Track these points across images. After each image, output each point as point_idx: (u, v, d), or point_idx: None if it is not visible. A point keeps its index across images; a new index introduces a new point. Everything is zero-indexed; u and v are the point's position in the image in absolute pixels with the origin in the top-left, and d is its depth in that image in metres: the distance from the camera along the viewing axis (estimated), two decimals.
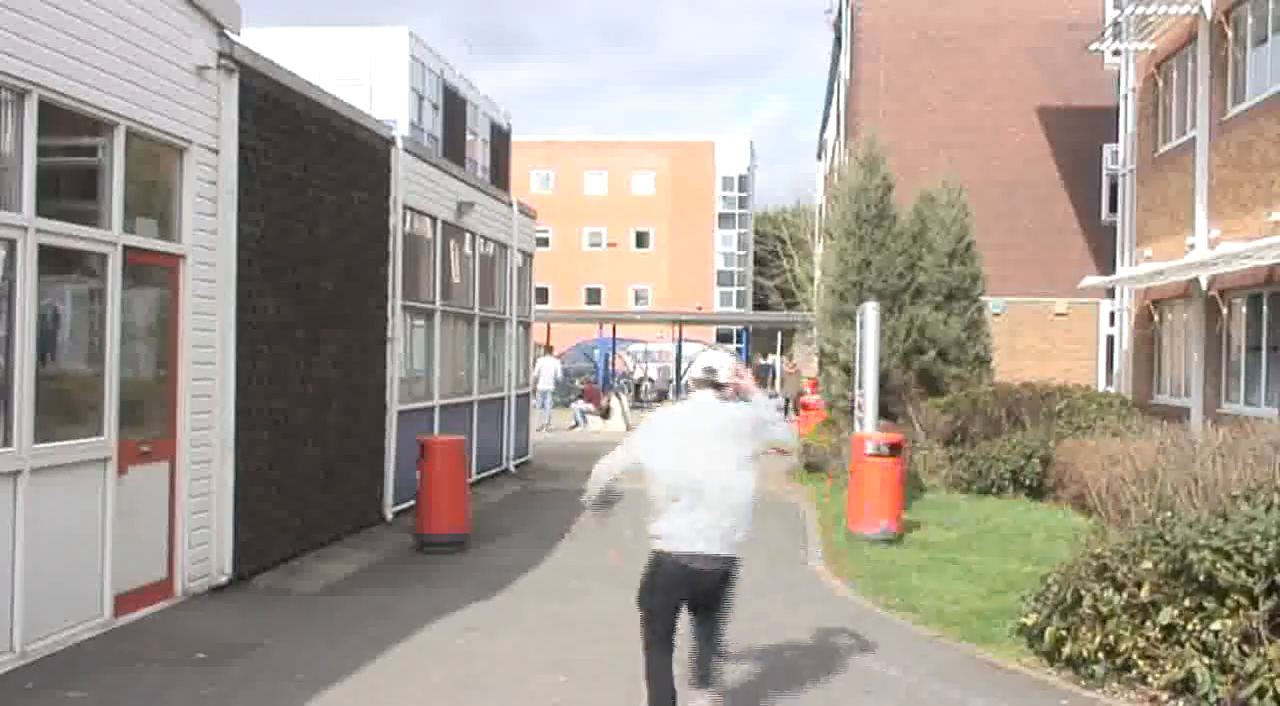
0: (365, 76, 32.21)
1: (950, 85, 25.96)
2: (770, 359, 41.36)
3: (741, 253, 73.64)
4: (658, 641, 5.51)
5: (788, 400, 35.87)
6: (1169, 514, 7.22)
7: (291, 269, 10.25)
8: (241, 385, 9.25)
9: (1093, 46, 21.29)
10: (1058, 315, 25.32)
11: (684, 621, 5.70)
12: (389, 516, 12.52)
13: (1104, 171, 25.04)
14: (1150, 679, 6.43)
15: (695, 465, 5.37)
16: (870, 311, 13.76)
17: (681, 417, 5.69)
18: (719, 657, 5.89)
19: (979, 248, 18.87)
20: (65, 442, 7.28)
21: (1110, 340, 23.97)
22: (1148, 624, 6.50)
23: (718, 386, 5.62)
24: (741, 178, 74.28)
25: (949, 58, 25.97)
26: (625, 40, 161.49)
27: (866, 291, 16.88)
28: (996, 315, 21.80)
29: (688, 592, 5.54)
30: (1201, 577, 6.28)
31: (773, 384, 37.39)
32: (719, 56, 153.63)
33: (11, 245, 6.80)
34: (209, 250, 8.88)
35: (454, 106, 34.41)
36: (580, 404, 28.93)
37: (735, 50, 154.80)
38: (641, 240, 70.73)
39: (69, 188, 7.90)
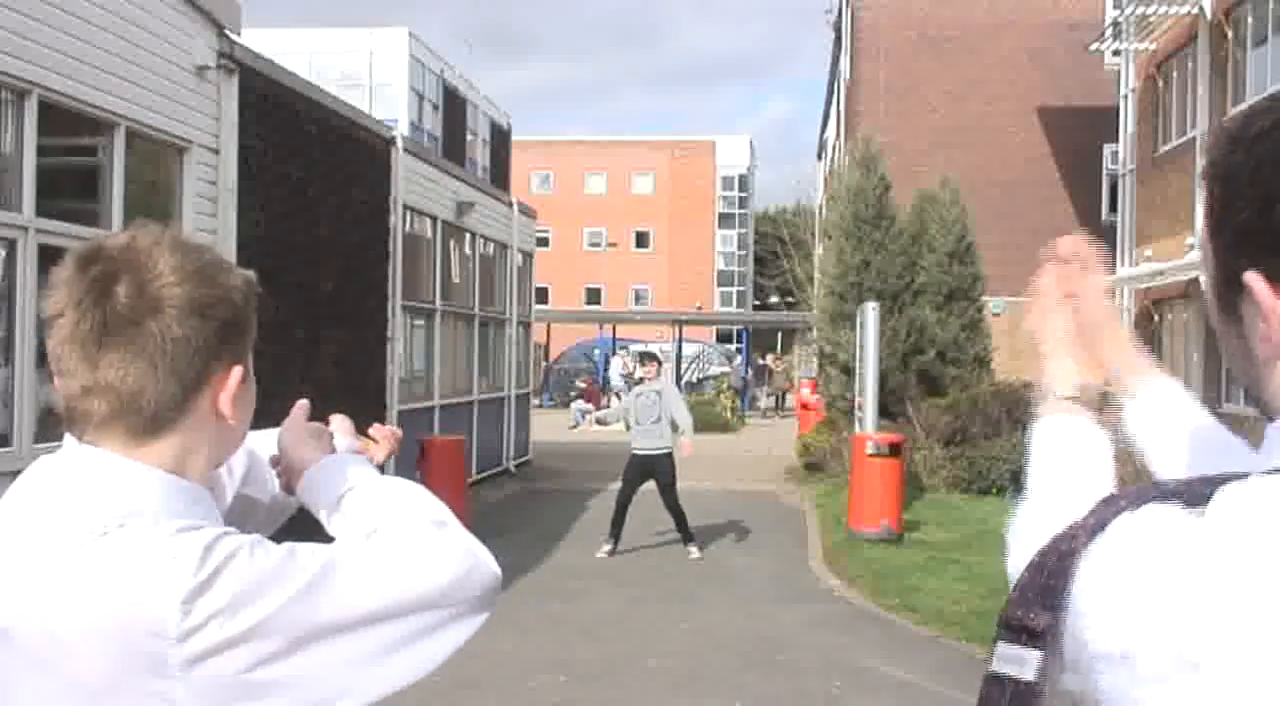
0: (365, 76, 32.18)
1: (950, 85, 25.96)
2: (768, 358, 41.66)
3: (741, 252, 73.59)
4: None
5: (777, 397, 36.18)
6: None
7: (291, 269, 10.25)
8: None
9: (1093, 46, 21.29)
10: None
11: None
12: None
13: (1104, 171, 25.04)
14: None
15: None
16: (870, 312, 13.77)
17: None
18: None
19: (979, 248, 18.85)
20: None
21: None
22: None
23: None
24: (742, 177, 74.23)
25: (949, 58, 25.97)
26: (631, 41, 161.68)
27: (866, 292, 16.87)
28: (997, 315, 21.77)
29: None
30: None
31: (769, 381, 37.46)
32: (724, 57, 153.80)
33: (11, 245, 6.80)
34: None
35: (454, 106, 34.38)
36: (580, 404, 28.92)
37: (741, 50, 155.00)
38: (641, 240, 70.67)
39: (69, 188, 7.91)
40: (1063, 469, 1.27)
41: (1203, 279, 1.06)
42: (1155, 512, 0.91)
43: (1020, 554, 1.19)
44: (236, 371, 1.31)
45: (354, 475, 1.49)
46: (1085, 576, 0.92)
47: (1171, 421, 1.35)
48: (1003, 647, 0.96)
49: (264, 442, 1.67)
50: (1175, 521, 0.90)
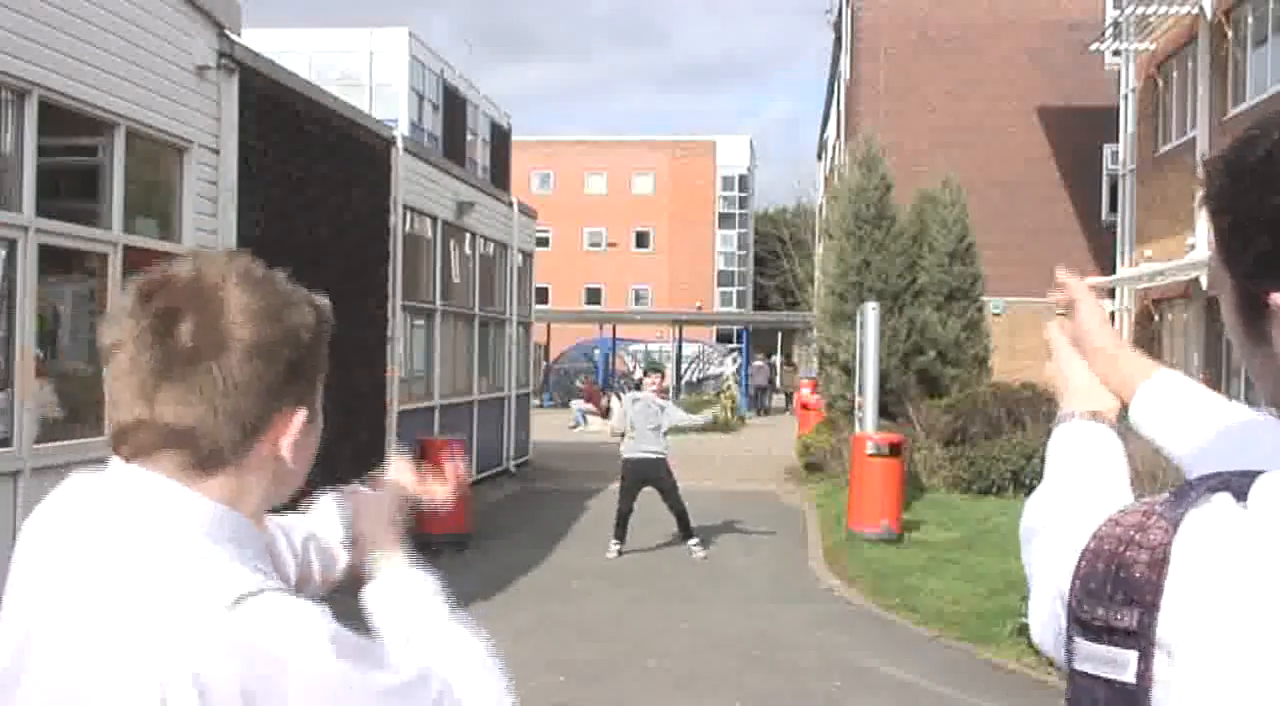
0: (365, 76, 32.19)
1: (950, 85, 25.95)
2: (773, 358, 41.91)
3: (741, 252, 73.57)
4: None
5: (786, 395, 36.57)
6: None
7: (291, 269, 10.23)
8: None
9: (1093, 46, 21.29)
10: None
11: None
12: None
13: (1104, 171, 25.04)
14: None
15: None
16: (870, 312, 13.77)
17: None
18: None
19: (979, 247, 18.85)
20: (66, 442, 7.28)
21: None
22: None
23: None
24: (742, 177, 74.21)
25: (949, 58, 25.96)
26: (633, 40, 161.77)
27: (866, 292, 16.87)
28: (997, 315, 21.77)
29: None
30: None
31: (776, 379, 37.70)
32: (726, 57, 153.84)
33: (11, 245, 6.80)
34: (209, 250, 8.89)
35: (454, 106, 34.38)
36: (580, 404, 28.93)
37: (743, 50, 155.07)
38: (641, 240, 70.65)
39: (69, 188, 7.91)
40: (1080, 463, 1.28)
41: (1223, 307, 1.07)
42: (1216, 504, 0.93)
43: (1042, 543, 1.18)
44: (300, 415, 1.26)
45: (420, 611, 1.46)
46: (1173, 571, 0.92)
47: (1180, 408, 1.36)
48: (1085, 647, 0.95)
49: (325, 521, 1.67)
50: (1229, 513, 0.92)
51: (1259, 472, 0.94)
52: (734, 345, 42.69)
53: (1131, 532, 0.95)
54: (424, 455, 11.57)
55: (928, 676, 7.09)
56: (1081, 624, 0.95)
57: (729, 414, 28.95)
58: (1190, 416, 1.34)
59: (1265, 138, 0.98)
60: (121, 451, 1.21)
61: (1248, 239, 0.99)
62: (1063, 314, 1.49)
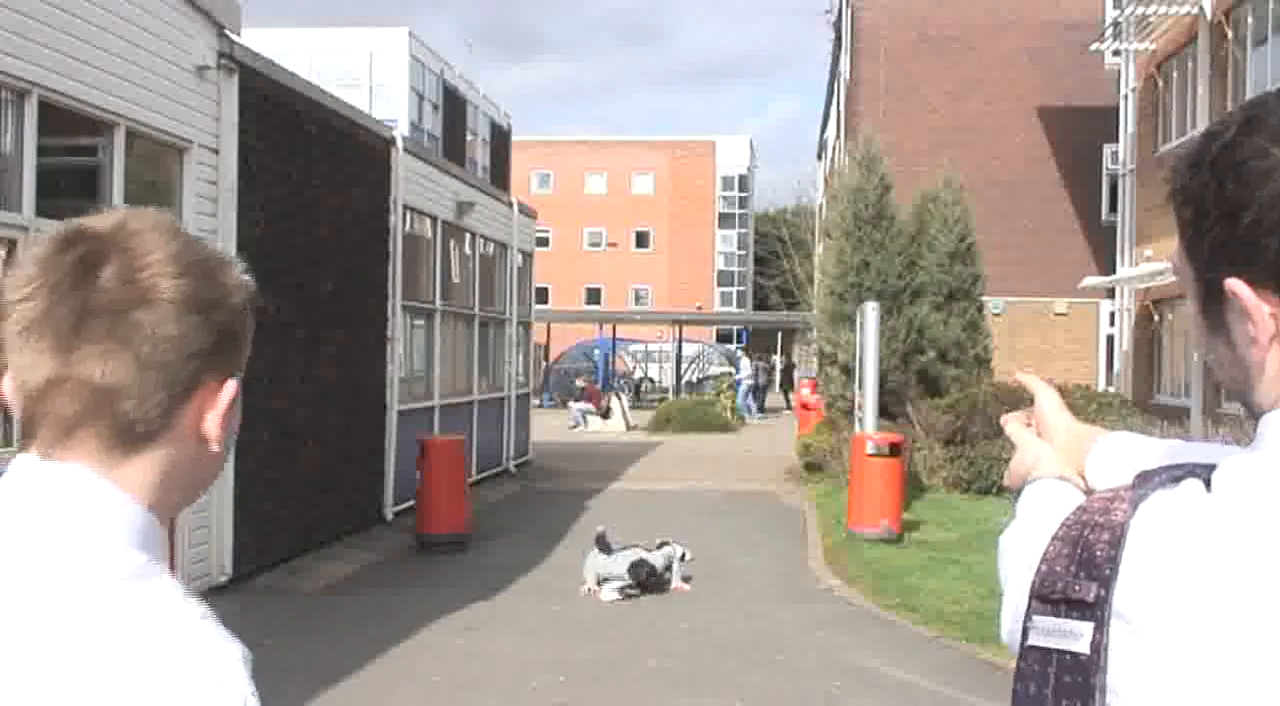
0: (365, 76, 32.20)
1: (950, 85, 25.95)
2: (773, 358, 42.01)
3: (741, 252, 73.58)
4: None
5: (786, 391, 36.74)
6: None
7: (291, 269, 10.25)
8: (241, 385, 9.24)
9: (1093, 46, 21.28)
10: (1058, 315, 25.31)
11: None
12: (389, 516, 12.53)
13: (1104, 171, 25.03)
14: None
15: None
16: (870, 312, 13.77)
17: None
18: None
19: (979, 247, 18.81)
20: None
21: (1110, 340, 23.97)
22: None
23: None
24: (742, 177, 74.24)
25: (949, 58, 25.96)
26: (635, 40, 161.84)
27: (866, 292, 16.85)
28: (997, 315, 21.76)
29: None
30: None
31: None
32: (729, 56, 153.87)
33: (12, 245, 6.80)
34: None
35: (454, 106, 34.40)
36: (580, 404, 28.93)
37: (745, 50, 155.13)
38: (641, 240, 70.67)
39: (69, 188, 7.91)
40: (1050, 504, 1.34)
41: (1188, 300, 1.11)
42: (1180, 488, 0.98)
43: (1014, 553, 1.27)
44: (230, 386, 1.10)
45: None
46: (1130, 545, 0.96)
47: (1126, 456, 1.42)
48: (1042, 621, 0.99)
49: None
50: (1190, 494, 0.97)
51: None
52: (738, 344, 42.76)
53: (1096, 516, 1.00)
54: (424, 454, 11.57)
55: (928, 676, 7.09)
56: (1041, 599, 1.00)
57: (729, 414, 28.97)
58: (1136, 460, 1.39)
59: (1226, 130, 1.02)
60: (35, 431, 1.04)
61: (1207, 228, 1.03)
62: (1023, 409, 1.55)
